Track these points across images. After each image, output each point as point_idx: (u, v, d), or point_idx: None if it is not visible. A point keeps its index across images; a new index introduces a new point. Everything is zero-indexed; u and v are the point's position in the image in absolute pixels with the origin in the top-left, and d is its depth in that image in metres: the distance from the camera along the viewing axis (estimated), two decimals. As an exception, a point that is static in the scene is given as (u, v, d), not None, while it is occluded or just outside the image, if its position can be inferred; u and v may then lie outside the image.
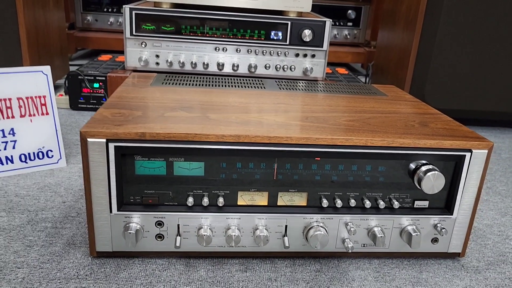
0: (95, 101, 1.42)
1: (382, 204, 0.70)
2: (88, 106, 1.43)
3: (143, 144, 0.63)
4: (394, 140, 0.67)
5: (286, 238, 0.70)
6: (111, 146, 0.62)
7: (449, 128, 0.75)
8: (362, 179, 0.70)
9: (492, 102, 1.42)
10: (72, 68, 1.66)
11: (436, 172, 0.67)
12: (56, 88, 1.61)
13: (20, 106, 0.96)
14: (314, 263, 0.72)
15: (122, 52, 1.86)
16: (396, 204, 0.70)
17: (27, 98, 0.97)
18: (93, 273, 0.66)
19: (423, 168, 0.68)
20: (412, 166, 0.69)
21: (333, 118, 0.76)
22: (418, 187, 0.68)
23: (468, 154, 0.68)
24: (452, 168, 0.70)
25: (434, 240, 0.73)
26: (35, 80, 0.98)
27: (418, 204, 0.72)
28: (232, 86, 0.95)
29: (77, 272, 0.66)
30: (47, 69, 0.99)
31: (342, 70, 1.79)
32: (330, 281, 0.68)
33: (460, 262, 0.75)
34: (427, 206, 0.72)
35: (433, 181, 0.67)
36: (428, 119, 0.79)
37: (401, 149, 0.67)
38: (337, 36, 2.27)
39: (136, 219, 0.67)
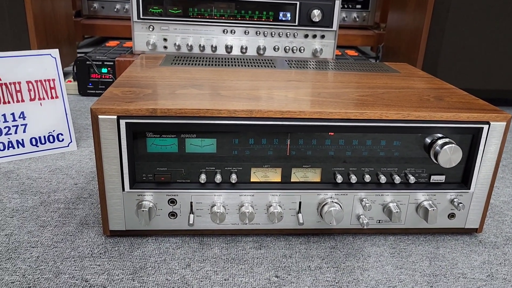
0: (103, 86, 1.42)
1: (397, 179, 0.69)
2: (96, 91, 1.43)
3: (154, 121, 0.62)
4: (409, 113, 0.66)
5: (300, 215, 0.69)
6: (122, 123, 0.62)
7: (465, 101, 0.73)
8: (377, 154, 0.68)
9: (507, 81, 1.40)
10: (79, 56, 1.66)
11: (453, 145, 0.65)
12: (65, 75, 1.60)
13: (29, 90, 0.96)
14: (329, 240, 0.72)
15: (129, 39, 1.85)
16: (412, 179, 0.69)
17: (36, 81, 0.97)
18: (107, 251, 0.66)
19: (440, 142, 0.66)
20: (428, 140, 0.68)
21: (346, 93, 0.75)
22: (435, 161, 0.67)
23: (485, 127, 0.67)
24: (469, 141, 0.68)
25: (451, 216, 0.72)
26: (43, 63, 0.97)
27: (434, 178, 0.70)
28: (242, 65, 0.94)
29: (91, 251, 0.66)
30: (55, 52, 0.99)
31: (351, 52, 1.77)
32: (346, 257, 0.68)
33: (477, 238, 0.74)
34: (443, 181, 0.70)
35: (450, 155, 0.66)
36: (443, 94, 0.77)
37: (417, 122, 0.66)
38: (346, 19, 2.23)
39: (149, 197, 0.66)
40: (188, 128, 0.63)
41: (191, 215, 0.67)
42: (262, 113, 0.64)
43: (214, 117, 0.63)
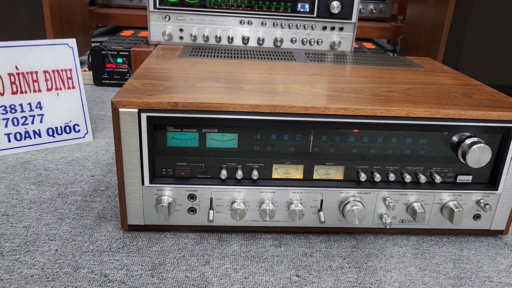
0: (118, 77, 1.41)
1: (423, 179, 0.67)
2: (112, 81, 1.42)
3: (175, 115, 0.61)
4: (438, 110, 0.64)
5: (321, 213, 0.67)
6: (143, 116, 0.60)
7: (495, 99, 0.71)
8: (402, 152, 0.66)
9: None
10: (94, 45, 1.65)
11: (482, 145, 0.63)
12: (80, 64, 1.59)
13: (46, 80, 0.95)
14: (350, 239, 0.70)
15: (143, 29, 1.83)
16: (438, 179, 0.67)
17: (53, 71, 0.96)
18: (125, 246, 0.65)
19: (468, 141, 0.64)
20: (456, 138, 0.66)
21: (371, 89, 0.72)
22: (463, 161, 0.65)
23: (517, 126, 0.64)
24: (499, 140, 0.66)
25: (476, 217, 0.70)
26: (60, 53, 0.96)
27: (461, 178, 0.68)
28: (260, 58, 0.92)
29: (110, 245, 0.65)
30: (72, 42, 0.98)
31: (369, 45, 1.74)
32: (367, 257, 0.66)
33: (503, 240, 0.72)
34: (470, 181, 0.68)
35: (479, 155, 0.63)
36: (471, 90, 0.75)
37: (445, 120, 0.64)
38: (362, 10, 2.19)
39: (168, 192, 0.65)
40: (210, 123, 0.62)
41: (211, 211, 0.66)
42: (285, 108, 0.62)
43: (236, 112, 0.61)
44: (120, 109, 0.60)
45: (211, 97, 0.63)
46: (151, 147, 0.62)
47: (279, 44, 1.34)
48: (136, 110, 0.60)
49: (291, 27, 1.33)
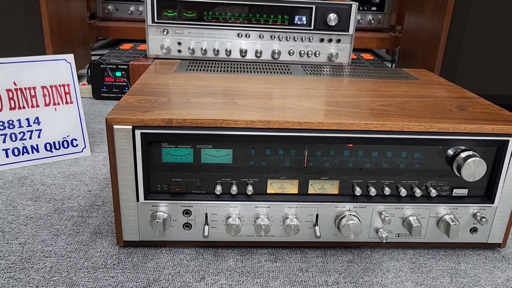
0: (117, 90, 1.42)
1: (418, 192, 0.67)
2: (110, 95, 1.42)
3: (170, 131, 0.61)
4: (432, 124, 0.64)
5: (317, 228, 0.67)
6: (138, 133, 0.61)
7: (489, 112, 0.71)
8: (397, 166, 0.66)
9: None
10: (94, 58, 1.66)
11: (477, 158, 0.63)
12: (79, 77, 1.60)
13: (44, 95, 0.96)
14: (346, 253, 0.70)
15: (143, 42, 1.84)
16: (433, 192, 0.67)
17: (51, 86, 0.96)
18: (120, 262, 0.65)
19: (463, 155, 0.64)
20: (451, 152, 0.66)
21: (365, 102, 0.73)
22: (458, 174, 0.65)
23: (511, 139, 0.64)
24: (493, 154, 0.66)
25: (473, 230, 0.70)
26: (58, 68, 0.97)
27: (456, 192, 0.68)
28: (257, 71, 0.93)
29: (105, 262, 0.65)
30: (70, 57, 0.98)
31: (367, 56, 1.74)
32: (364, 272, 0.66)
33: (500, 253, 0.72)
34: (466, 194, 0.68)
35: (474, 168, 0.63)
36: (466, 103, 0.75)
37: (439, 134, 0.64)
38: (360, 21, 2.21)
39: (163, 208, 0.65)
40: (204, 139, 0.62)
41: (206, 227, 0.66)
42: (279, 124, 0.62)
43: (231, 128, 0.62)
44: (114, 126, 0.60)
45: (206, 113, 0.63)
46: (145, 163, 0.63)
47: (276, 57, 1.34)
48: (130, 127, 0.60)
49: (288, 39, 1.34)
